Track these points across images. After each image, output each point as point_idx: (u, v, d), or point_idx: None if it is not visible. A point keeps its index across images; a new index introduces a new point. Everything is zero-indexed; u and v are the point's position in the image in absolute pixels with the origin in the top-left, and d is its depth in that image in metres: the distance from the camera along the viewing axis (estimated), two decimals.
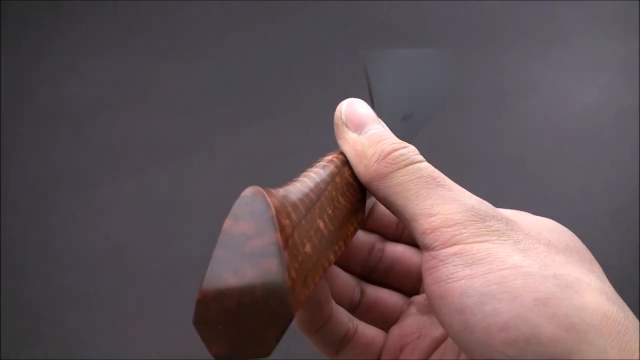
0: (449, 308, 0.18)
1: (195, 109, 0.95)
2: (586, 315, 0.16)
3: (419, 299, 0.24)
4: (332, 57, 1.00)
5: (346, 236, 0.21)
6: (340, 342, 0.23)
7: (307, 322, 0.22)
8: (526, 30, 1.00)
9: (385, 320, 0.24)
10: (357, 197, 0.22)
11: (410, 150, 0.21)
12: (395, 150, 0.20)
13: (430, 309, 0.23)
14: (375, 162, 0.20)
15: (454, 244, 0.18)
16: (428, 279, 0.19)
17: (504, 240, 0.18)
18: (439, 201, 0.19)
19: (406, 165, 0.20)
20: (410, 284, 0.25)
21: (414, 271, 0.25)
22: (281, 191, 0.19)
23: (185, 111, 0.95)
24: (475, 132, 0.79)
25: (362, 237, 0.24)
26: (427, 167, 0.20)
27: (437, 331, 0.22)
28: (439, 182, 0.20)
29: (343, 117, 0.23)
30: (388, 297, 0.25)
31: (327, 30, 1.10)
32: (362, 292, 0.24)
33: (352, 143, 0.21)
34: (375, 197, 0.21)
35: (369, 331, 0.24)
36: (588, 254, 0.20)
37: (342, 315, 0.23)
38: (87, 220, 0.76)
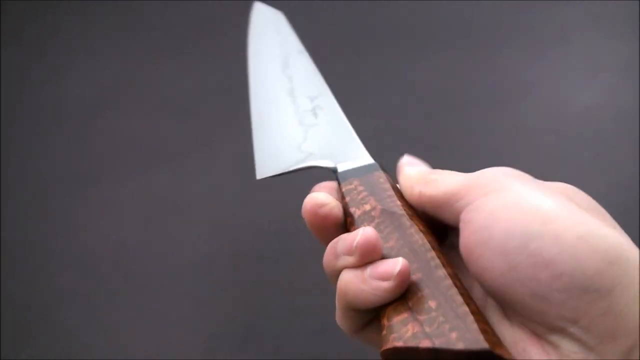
0: (492, 252, 0.19)
1: (195, 109, 0.95)
2: (624, 252, 0.18)
3: None
4: (332, 57, 1.00)
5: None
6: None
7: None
8: (526, 30, 1.00)
9: None
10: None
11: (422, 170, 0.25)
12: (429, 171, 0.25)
13: None
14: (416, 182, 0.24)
15: (489, 193, 0.20)
16: (466, 232, 0.20)
17: (535, 188, 0.20)
18: (460, 176, 0.22)
19: (431, 173, 0.24)
20: None
21: None
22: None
23: (185, 111, 0.95)
24: (475, 132, 0.79)
25: None
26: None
27: None
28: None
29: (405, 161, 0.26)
30: None
31: (327, 30, 1.10)
32: None
33: (404, 177, 0.25)
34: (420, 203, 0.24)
35: None
36: (608, 215, 0.21)
37: None
38: (87, 220, 0.76)
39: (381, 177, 0.24)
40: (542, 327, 0.18)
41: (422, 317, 0.18)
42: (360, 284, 0.20)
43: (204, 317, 0.62)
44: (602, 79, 0.86)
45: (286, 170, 0.27)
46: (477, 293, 0.23)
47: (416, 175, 0.24)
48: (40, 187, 0.83)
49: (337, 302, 0.23)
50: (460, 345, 0.17)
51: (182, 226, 0.73)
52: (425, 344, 0.17)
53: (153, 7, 1.27)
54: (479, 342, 0.17)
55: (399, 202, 0.23)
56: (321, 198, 0.24)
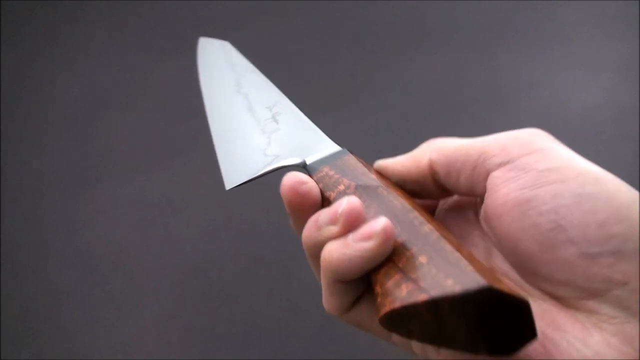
0: (539, 209, 0.19)
1: (195, 109, 0.95)
2: None
3: None
4: (332, 56, 1.00)
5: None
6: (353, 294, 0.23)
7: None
8: (526, 30, 1.00)
9: None
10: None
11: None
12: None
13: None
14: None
15: (533, 152, 0.20)
16: (505, 190, 0.20)
17: (568, 149, 0.20)
18: (499, 135, 0.21)
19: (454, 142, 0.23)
20: None
21: None
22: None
23: (185, 111, 0.95)
24: (475, 132, 0.79)
25: None
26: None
27: None
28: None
29: (385, 162, 0.25)
30: None
31: (327, 30, 1.10)
32: None
33: (393, 166, 0.24)
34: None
35: None
36: None
37: None
38: (87, 220, 0.76)
39: (351, 159, 0.24)
40: (581, 291, 0.18)
41: (414, 275, 0.18)
42: (343, 249, 0.20)
43: (204, 317, 0.62)
44: (602, 79, 0.86)
45: (254, 176, 0.26)
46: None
47: (424, 147, 0.24)
48: (40, 187, 0.83)
49: (322, 280, 0.22)
50: (457, 289, 0.16)
51: (182, 226, 0.73)
52: (422, 297, 0.17)
53: (153, 7, 1.27)
54: (476, 281, 0.16)
55: (373, 176, 0.22)
56: (301, 175, 0.23)
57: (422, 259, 0.18)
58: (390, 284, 0.18)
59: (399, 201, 0.21)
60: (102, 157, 0.87)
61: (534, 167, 0.19)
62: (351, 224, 0.20)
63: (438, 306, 0.17)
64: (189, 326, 0.61)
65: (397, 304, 0.17)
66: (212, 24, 1.18)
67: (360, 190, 0.22)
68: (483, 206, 0.21)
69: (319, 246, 0.21)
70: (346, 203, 0.20)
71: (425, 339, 0.18)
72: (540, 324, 0.18)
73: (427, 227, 0.19)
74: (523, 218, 0.19)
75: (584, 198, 0.18)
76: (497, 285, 0.16)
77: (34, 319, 0.64)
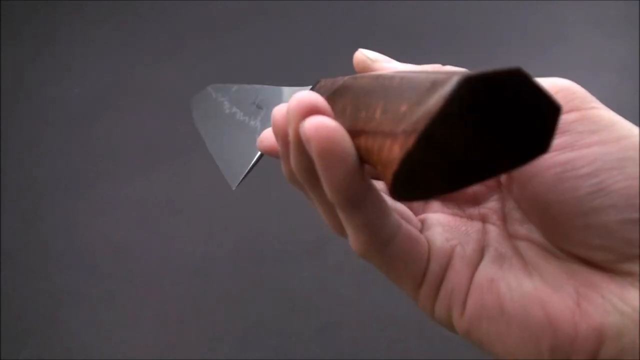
0: (577, 172, 0.18)
1: None
2: None
3: (433, 216, 0.23)
4: (332, 56, 1.00)
5: None
6: (390, 229, 0.20)
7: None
8: (526, 30, 1.00)
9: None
10: None
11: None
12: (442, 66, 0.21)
13: (459, 202, 0.23)
14: None
15: (570, 111, 0.18)
16: None
17: (609, 109, 0.19)
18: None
19: None
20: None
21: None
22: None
23: (185, 111, 0.95)
24: None
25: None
26: None
27: (471, 237, 0.21)
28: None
29: (372, 56, 0.23)
30: (400, 208, 0.23)
31: (326, 30, 1.10)
32: None
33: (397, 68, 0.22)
34: None
35: (411, 228, 0.21)
36: None
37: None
38: (87, 220, 0.76)
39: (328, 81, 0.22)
40: (618, 255, 0.17)
41: (404, 106, 0.15)
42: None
43: (204, 317, 0.62)
44: (602, 79, 0.86)
45: (253, 162, 0.26)
46: (495, 237, 0.21)
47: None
48: (40, 187, 0.83)
49: (338, 208, 0.19)
50: (443, 95, 0.13)
51: (182, 226, 0.73)
52: (412, 137, 0.14)
53: (152, 7, 1.27)
54: (459, 75, 0.13)
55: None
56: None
57: (391, 107, 0.16)
58: (378, 153, 0.16)
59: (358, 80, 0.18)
60: (102, 157, 0.87)
61: (572, 128, 0.18)
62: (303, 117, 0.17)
63: (434, 135, 0.14)
64: (189, 326, 0.61)
65: (412, 138, 0.14)
66: (212, 24, 1.18)
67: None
68: None
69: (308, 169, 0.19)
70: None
71: (444, 184, 0.16)
72: (572, 282, 0.18)
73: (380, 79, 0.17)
74: (559, 180, 0.18)
75: (626, 162, 0.17)
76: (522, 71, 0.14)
77: (34, 319, 0.64)
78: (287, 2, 1.20)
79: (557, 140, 0.18)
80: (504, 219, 0.22)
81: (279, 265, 0.66)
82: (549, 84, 0.20)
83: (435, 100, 0.14)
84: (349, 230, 0.20)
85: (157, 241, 0.72)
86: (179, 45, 1.12)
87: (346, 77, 0.20)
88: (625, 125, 0.18)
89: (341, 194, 0.18)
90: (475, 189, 0.23)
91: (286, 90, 0.27)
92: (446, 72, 0.15)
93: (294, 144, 0.18)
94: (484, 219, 0.23)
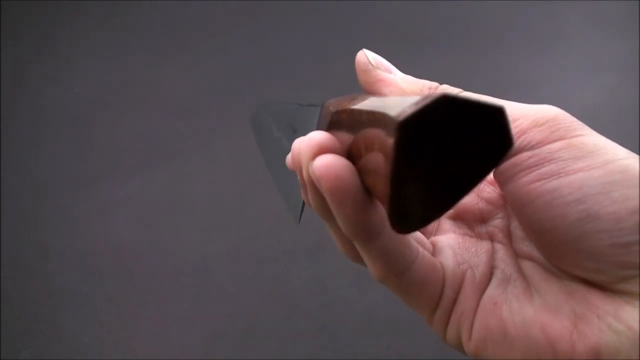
0: (564, 200, 0.18)
1: (195, 109, 0.95)
2: None
3: (444, 239, 0.24)
4: (332, 56, 1.00)
5: None
6: (408, 258, 0.21)
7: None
8: (526, 30, 1.00)
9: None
10: None
11: (446, 86, 0.21)
12: (439, 85, 0.21)
13: (465, 229, 0.23)
14: (429, 91, 0.21)
15: (556, 140, 0.19)
16: (526, 179, 0.19)
17: (596, 134, 0.19)
18: (514, 109, 0.20)
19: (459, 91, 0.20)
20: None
21: None
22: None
23: (185, 111, 0.95)
24: None
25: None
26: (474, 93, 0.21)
27: (480, 260, 0.22)
28: (495, 98, 0.20)
29: (373, 62, 0.23)
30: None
31: (327, 30, 1.10)
32: None
33: (395, 83, 0.22)
34: None
35: (428, 254, 0.22)
36: None
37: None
38: (87, 220, 0.76)
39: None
40: (613, 277, 0.18)
41: (376, 145, 0.15)
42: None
43: (204, 317, 0.62)
44: (602, 79, 0.86)
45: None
46: (501, 254, 0.22)
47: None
48: (40, 187, 0.83)
49: (352, 237, 0.19)
50: (412, 111, 0.14)
51: (182, 226, 0.73)
52: (389, 142, 0.14)
53: (153, 7, 1.27)
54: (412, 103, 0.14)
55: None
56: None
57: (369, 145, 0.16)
58: (374, 190, 0.17)
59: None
60: (102, 157, 0.87)
61: (557, 156, 0.18)
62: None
63: (405, 168, 0.15)
64: (189, 326, 0.61)
65: (386, 203, 0.15)
66: (212, 24, 1.18)
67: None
68: (505, 190, 0.20)
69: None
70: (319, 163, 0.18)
71: (436, 207, 0.16)
72: (570, 302, 0.18)
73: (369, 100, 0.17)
74: (548, 208, 0.18)
75: (612, 186, 0.17)
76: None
77: (34, 319, 0.64)
78: (287, 2, 1.20)
79: (544, 169, 0.18)
80: (510, 236, 0.22)
81: (279, 265, 0.66)
82: (536, 111, 0.20)
83: (389, 146, 0.14)
84: (367, 260, 0.21)
85: (157, 241, 0.72)
86: (179, 45, 1.12)
87: (347, 102, 0.21)
88: (610, 150, 0.18)
89: (354, 229, 0.19)
90: (482, 207, 0.24)
91: (313, 110, 0.28)
92: (409, 103, 0.15)
93: (307, 183, 0.19)
94: (491, 237, 0.23)
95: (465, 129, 0.16)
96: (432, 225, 0.25)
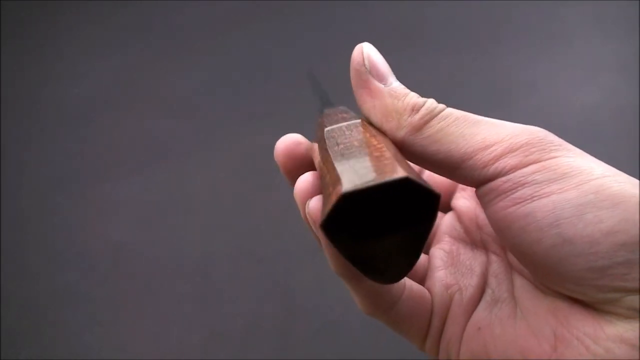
0: (539, 224, 0.17)
1: (195, 109, 0.95)
2: None
3: (438, 254, 0.24)
4: (332, 56, 1.00)
5: None
6: (394, 294, 0.21)
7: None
8: (526, 30, 1.00)
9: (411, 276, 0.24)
10: None
11: (434, 101, 0.21)
12: (424, 102, 0.20)
13: (456, 258, 0.23)
14: (409, 115, 0.20)
15: (529, 164, 0.18)
16: (502, 204, 0.18)
17: (574, 154, 0.19)
18: (490, 133, 0.19)
19: (439, 112, 0.20)
20: None
21: None
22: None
23: (185, 111, 0.95)
24: None
25: None
26: (456, 110, 0.20)
27: (472, 280, 0.22)
28: (476, 119, 0.20)
29: (367, 64, 0.22)
30: None
31: (326, 30, 1.10)
32: None
33: (381, 96, 0.21)
34: (409, 153, 0.20)
35: (416, 285, 0.22)
36: None
37: None
38: (87, 220, 0.76)
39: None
40: (594, 300, 0.17)
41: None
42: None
43: (204, 316, 0.62)
44: (602, 79, 0.86)
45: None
46: (496, 266, 0.22)
47: (410, 120, 0.20)
48: (40, 187, 0.83)
49: (338, 272, 0.21)
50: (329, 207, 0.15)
51: (182, 226, 0.73)
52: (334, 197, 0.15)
53: (153, 7, 1.27)
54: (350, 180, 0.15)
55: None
56: (295, 136, 0.22)
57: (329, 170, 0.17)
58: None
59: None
60: (102, 157, 0.87)
61: (531, 179, 0.18)
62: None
63: (347, 240, 0.16)
64: (189, 326, 0.61)
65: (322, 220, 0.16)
66: (212, 24, 1.18)
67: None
68: (486, 215, 0.20)
69: None
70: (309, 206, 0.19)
71: (401, 264, 0.17)
72: (552, 323, 0.18)
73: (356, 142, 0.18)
74: (524, 233, 0.18)
75: (585, 208, 0.17)
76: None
77: (34, 319, 0.64)
78: (287, 2, 1.20)
79: (518, 194, 0.18)
80: (504, 247, 0.22)
81: (279, 265, 0.66)
82: (511, 135, 0.19)
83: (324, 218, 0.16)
84: (354, 296, 0.21)
85: (157, 241, 0.72)
86: (179, 45, 1.12)
87: (328, 125, 0.22)
88: (585, 169, 0.18)
89: (340, 269, 0.20)
90: (478, 212, 0.24)
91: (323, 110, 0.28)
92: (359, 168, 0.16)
93: (305, 221, 0.20)
94: (486, 247, 0.23)
95: (388, 202, 0.16)
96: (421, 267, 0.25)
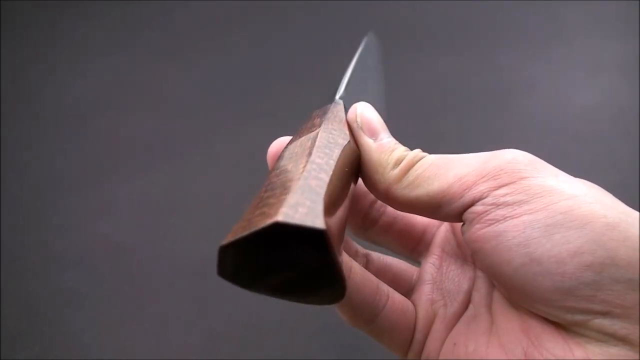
0: (508, 244, 0.18)
1: (194, 109, 0.95)
2: None
3: (428, 268, 0.24)
4: (332, 56, 1.00)
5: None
6: (374, 307, 0.22)
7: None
8: (526, 30, 1.00)
9: (395, 288, 0.24)
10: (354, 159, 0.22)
11: (418, 152, 0.22)
12: (406, 155, 0.22)
13: (442, 273, 0.24)
14: (391, 169, 0.21)
15: (501, 186, 0.19)
16: (477, 226, 0.19)
17: (546, 175, 0.19)
18: (462, 166, 0.20)
19: (417, 161, 0.21)
20: (412, 242, 0.25)
21: (417, 228, 0.25)
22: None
23: (185, 111, 0.95)
24: (475, 132, 0.79)
25: (365, 188, 0.24)
26: (433, 155, 0.22)
27: (458, 296, 0.22)
28: (449, 158, 0.21)
29: (359, 120, 0.23)
30: (397, 264, 0.25)
31: (326, 29, 1.10)
32: (367, 260, 0.25)
33: (369, 150, 0.22)
34: (397, 203, 0.21)
35: (399, 297, 0.23)
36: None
37: (371, 276, 0.23)
38: (87, 220, 0.76)
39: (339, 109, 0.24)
40: (563, 321, 0.17)
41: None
42: None
43: (204, 317, 0.62)
44: (602, 79, 0.86)
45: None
46: (480, 284, 0.22)
47: (393, 172, 0.21)
48: (40, 187, 0.83)
49: None
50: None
51: (182, 226, 0.73)
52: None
53: (153, 7, 1.27)
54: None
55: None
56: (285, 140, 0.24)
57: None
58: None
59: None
60: (102, 157, 0.87)
61: (502, 201, 0.18)
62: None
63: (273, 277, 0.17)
64: (189, 326, 0.61)
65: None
66: (212, 24, 1.18)
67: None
68: (463, 240, 0.20)
69: None
70: None
71: (335, 293, 0.17)
72: (523, 341, 0.18)
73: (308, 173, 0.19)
74: (495, 254, 0.18)
75: (553, 229, 0.17)
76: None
77: (34, 319, 0.64)
78: (287, 2, 1.20)
79: (490, 215, 0.18)
80: None
81: None
82: (482, 162, 0.20)
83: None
84: (337, 308, 0.22)
85: (157, 241, 0.72)
86: (179, 45, 1.12)
87: (305, 131, 0.23)
88: (556, 190, 0.18)
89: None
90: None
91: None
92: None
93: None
94: (474, 261, 0.24)
95: (278, 242, 0.18)
96: (429, 236, 0.26)
